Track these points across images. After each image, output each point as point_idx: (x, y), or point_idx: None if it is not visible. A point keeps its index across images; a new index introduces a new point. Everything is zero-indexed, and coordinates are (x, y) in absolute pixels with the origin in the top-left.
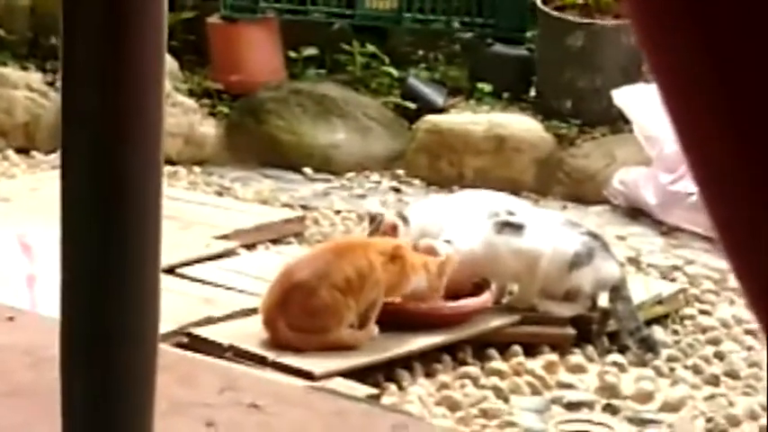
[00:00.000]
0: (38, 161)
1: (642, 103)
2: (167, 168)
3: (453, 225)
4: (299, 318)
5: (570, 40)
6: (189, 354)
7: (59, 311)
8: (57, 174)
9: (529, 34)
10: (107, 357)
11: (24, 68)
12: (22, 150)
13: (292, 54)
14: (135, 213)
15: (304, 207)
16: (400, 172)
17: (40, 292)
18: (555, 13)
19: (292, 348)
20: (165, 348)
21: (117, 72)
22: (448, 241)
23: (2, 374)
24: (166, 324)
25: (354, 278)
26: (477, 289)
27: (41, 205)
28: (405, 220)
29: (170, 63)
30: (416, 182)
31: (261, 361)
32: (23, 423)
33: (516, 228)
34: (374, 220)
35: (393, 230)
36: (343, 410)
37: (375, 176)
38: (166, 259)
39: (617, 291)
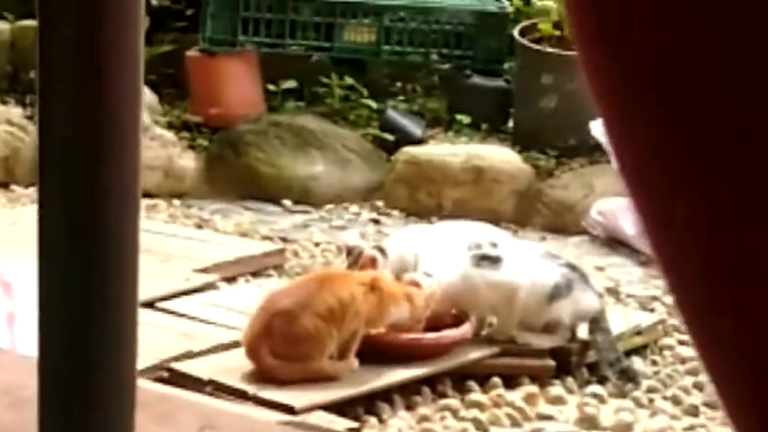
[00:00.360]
0: (17, 195)
1: None
2: (146, 201)
3: (431, 257)
4: (281, 345)
5: (546, 71)
6: (167, 391)
7: (38, 351)
8: (36, 208)
9: (507, 66)
10: (85, 396)
11: (4, 102)
12: (2, 184)
13: (271, 87)
14: (113, 249)
15: (284, 239)
16: (379, 203)
17: (21, 331)
18: (532, 45)
19: (275, 377)
20: (143, 385)
21: (93, 107)
22: (428, 274)
23: None
24: (146, 359)
25: (336, 307)
26: (457, 321)
27: (21, 239)
28: (383, 252)
29: (149, 96)
30: (395, 213)
31: (241, 395)
32: None
33: (494, 261)
34: (351, 253)
35: (372, 263)
36: None
37: (354, 208)
38: (146, 293)
39: (596, 322)
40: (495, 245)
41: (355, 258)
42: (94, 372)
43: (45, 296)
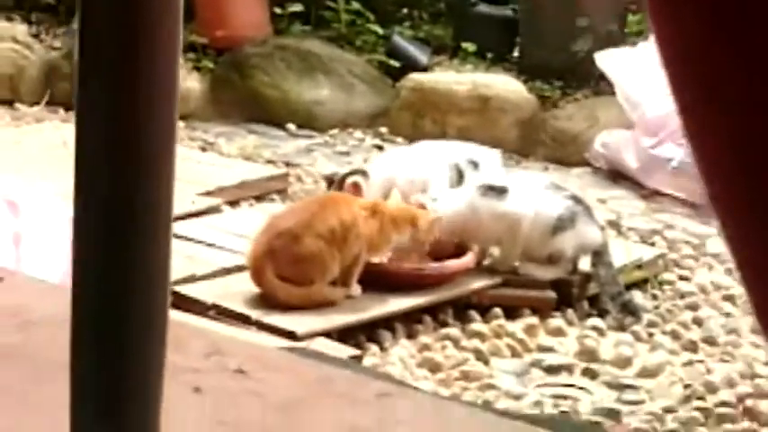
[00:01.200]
0: (22, 113)
1: (625, 66)
2: None
3: (436, 182)
4: (285, 266)
5: (553, 2)
6: (174, 316)
7: (72, 281)
8: (40, 127)
9: None
10: (118, 327)
11: (9, 20)
12: (6, 102)
13: (278, 10)
14: (148, 176)
15: (287, 164)
16: (383, 130)
17: (26, 251)
18: None
19: (278, 299)
20: None
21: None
22: (434, 199)
23: None
24: None
25: (338, 229)
26: (459, 250)
27: (25, 159)
28: (365, 174)
29: None
30: (399, 140)
31: (244, 320)
32: (12, 385)
33: (500, 191)
34: (332, 181)
35: (355, 189)
36: (328, 377)
37: (358, 134)
38: None
39: (599, 255)
40: (473, 162)
41: (338, 185)
42: (127, 307)
43: (79, 224)
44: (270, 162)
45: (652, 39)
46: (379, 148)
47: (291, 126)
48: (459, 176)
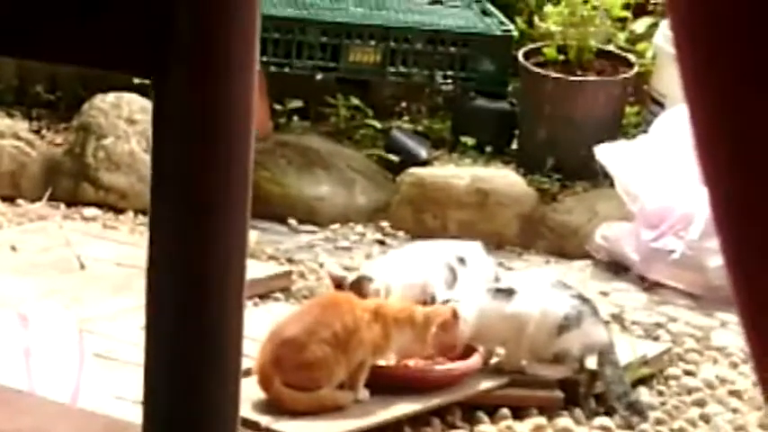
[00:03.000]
0: (24, 210)
1: (624, 159)
2: None
3: (434, 282)
4: (292, 374)
5: (551, 95)
6: None
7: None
8: (43, 225)
9: (511, 88)
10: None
11: (10, 116)
12: (8, 198)
13: (277, 106)
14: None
15: (289, 260)
16: (384, 224)
17: (36, 365)
18: (535, 69)
19: (286, 407)
20: None
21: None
22: (447, 301)
23: None
24: None
25: (341, 333)
26: (466, 351)
27: (29, 260)
28: (369, 280)
29: None
30: (401, 234)
31: (254, 426)
32: None
33: (508, 293)
34: (341, 284)
35: (360, 293)
36: None
37: (359, 228)
38: None
39: (605, 355)
40: (461, 258)
41: (357, 292)
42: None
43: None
44: (272, 258)
45: (650, 131)
46: (381, 242)
47: (293, 221)
48: (452, 274)
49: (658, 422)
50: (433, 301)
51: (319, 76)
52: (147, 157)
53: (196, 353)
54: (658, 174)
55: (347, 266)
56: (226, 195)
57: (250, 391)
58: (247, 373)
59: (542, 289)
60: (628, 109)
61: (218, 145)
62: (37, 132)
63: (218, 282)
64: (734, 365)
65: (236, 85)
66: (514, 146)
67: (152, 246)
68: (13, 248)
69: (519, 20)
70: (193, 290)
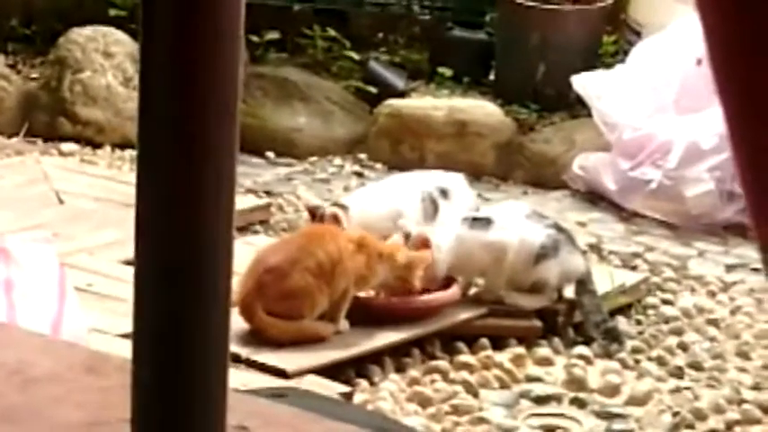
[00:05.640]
0: (1, 145)
1: (601, 89)
2: (129, 153)
3: (408, 212)
4: (274, 302)
5: (528, 24)
6: None
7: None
8: (17, 161)
9: (488, 18)
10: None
11: None
12: None
13: (254, 38)
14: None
15: (268, 192)
16: (362, 156)
17: (19, 300)
18: None
19: (268, 335)
20: None
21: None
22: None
23: None
24: None
25: (325, 263)
26: (445, 282)
27: (8, 195)
28: (345, 208)
29: (131, 46)
30: (378, 166)
31: (234, 359)
32: None
33: (485, 222)
34: (315, 213)
35: (336, 221)
36: None
37: (338, 160)
38: (130, 252)
39: (583, 284)
40: (443, 191)
41: (319, 218)
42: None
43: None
44: (251, 191)
45: (627, 61)
46: (359, 174)
47: (270, 154)
48: (433, 206)
49: (636, 351)
50: (407, 235)
51: (296, 8)
52: (123, 91)
53: (185, 281)
54: (636, 103)
55: (326, 199)
56: (214, 132)
57: (230, 323)
58: None
59: (518, 219)
60: (605, 38)
61: (205, 77)
62: (12, 67)
63: (208, 219)
64: (711, 294)
65: (223, 17)
66: (492, 76)
67: (140, 184)
68: None
69: None
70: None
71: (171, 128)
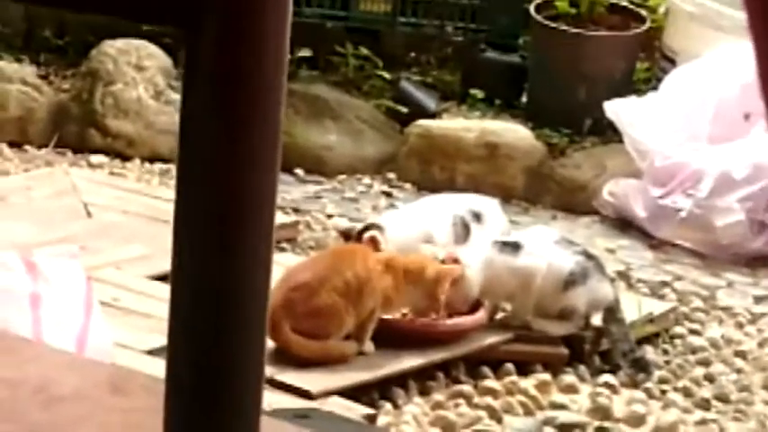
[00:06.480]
0: (31, 155)
1: (633, 116)
2: (160, 166)
3: (439, 235)
4: (301, 320)
5: (562, 49)
6: None
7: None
8: (49, 170)
9: (521, 41)
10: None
11: (18, 61)
12: (15, 144)
13: None
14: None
15: (296, 210)
16: (392, 176)
17: (45, 315)
18: (547, 22)
19: (293, 353)
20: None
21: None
22: (455, 261)
23: (15, 414)
24: (163, 336)
25: (353, 283)
26: (472, 306)
27: (36, 207)
28: (380, 229)
29: (164, 60)
30: (408, 186)
31: None
32: None
33: (514, 247)
34: (348, 236)
35: (373, 243)
36: None
37: (366, 179)
38: (162, 266)
39: (611, 312)
40: (476, 214)
41: (356, 239)
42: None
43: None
44: (279, 208)
45: (661, 88)
46: (388, 194)
47: (300, 171)
48: (465, 229)
49: (662, 381)
50: (439, 257)
51: (329, 25)
52: (154, 105)
53: (222, 296)
54: (668, 131)
55: (353, 218)
56: (255, 149)
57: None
58: None
59: (548, 244)
60: (638, 65)
61: (249, 97)
62: (44, 78)
63: (247, 237)
64: (739, 326)
65: (269, 36)
66: (524, 99)
67: (179, 196)
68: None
69: None
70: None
71: (213, 143)
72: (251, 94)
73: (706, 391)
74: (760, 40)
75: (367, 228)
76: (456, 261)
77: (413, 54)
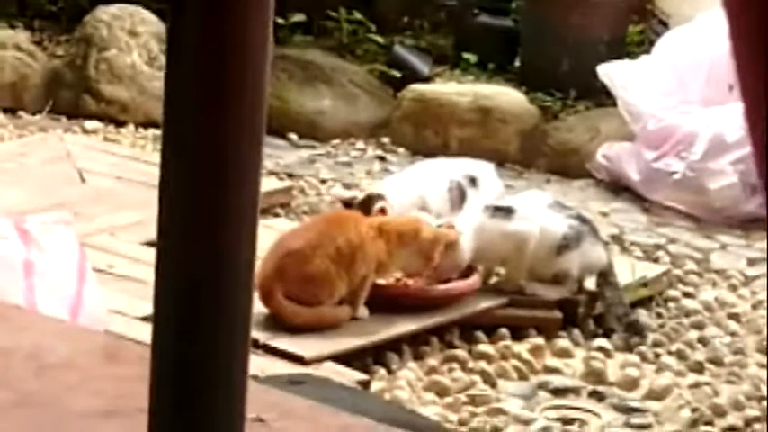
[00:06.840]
0: (25, 121)
1: (626, 78)
2: (153, 131)
3: (434, 201)
4: (294, 286)
5: (554, 12)
6: None
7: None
8: (43, 136)
9: (514, 5)
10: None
11: (12, 27)
12: (9, 110)
13: (279, 20)
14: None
15: (290, 175)
16: (385, 140)
17: (38, 282)
18: None
19: (286, 319)
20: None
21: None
22: (450, 226)
23: (7, 382)
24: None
25: (345, 249)
26: (466, 271)
27: (30, 173)
28: (383, 198)
29: (157, 26)
30: (401, 150)
31: (252, 344)
32: None
33: (507, 211)
34: (349, 205)
35: (383, 214)
36: (347, 426)
37: (360, 144)
38: (152, 233)
39: (604, 276)
40: (472, 178)
41: (360, 208)
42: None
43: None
44: (272, 173)
45: (653, 51)
46: (381, 159)
47: (293, 136)
48: (461, 194)
49: (656, 344)
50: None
51: None
52: (148, 70)
53: (207, 264)
54: (661, 94)
55: (347, 183)
56: (239, 122)
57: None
58: None
59: (541, 209)
60: (631, 28)
61: (232, 73)
62: (38, 44)
63: (232, 205)
64: (733, 288)
65: (252, 13)
66: (517, 63)
67: (164, 168)
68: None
69: None
70: (205, 213)
71: (197, 114)
72: (235, 68)
73: (700, 354)
74: (734, 19)
75: (369, 197)
76: (450, 226)
77: (406, 18)
